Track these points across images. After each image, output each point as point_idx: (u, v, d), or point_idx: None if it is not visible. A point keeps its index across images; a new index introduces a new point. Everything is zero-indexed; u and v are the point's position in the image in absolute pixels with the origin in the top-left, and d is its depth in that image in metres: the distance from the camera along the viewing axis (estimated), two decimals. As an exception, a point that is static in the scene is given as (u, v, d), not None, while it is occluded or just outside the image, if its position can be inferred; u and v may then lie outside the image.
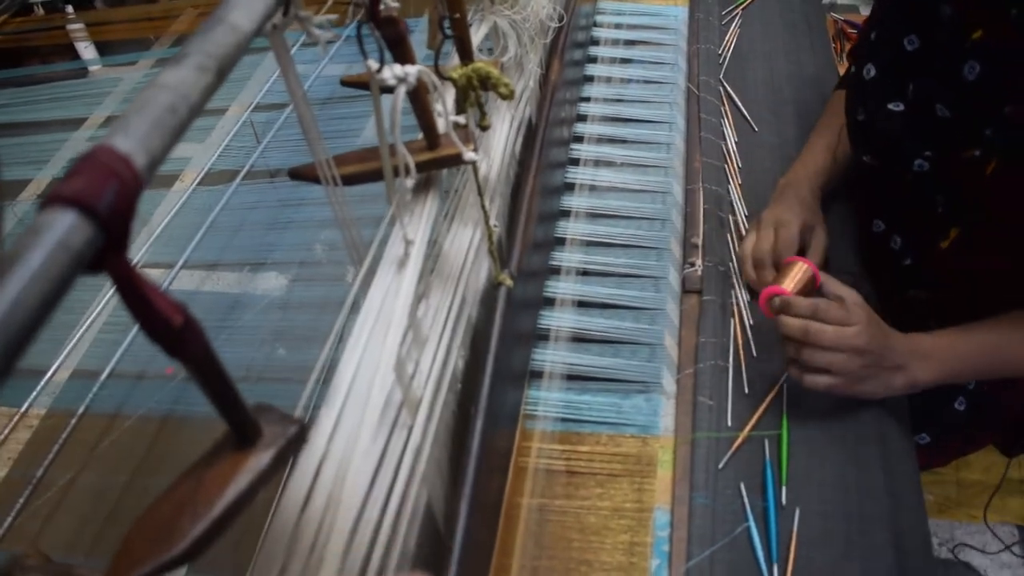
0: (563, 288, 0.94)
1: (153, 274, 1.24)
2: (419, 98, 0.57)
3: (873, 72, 0.92)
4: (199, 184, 1.29)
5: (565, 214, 1.03)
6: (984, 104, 0.79)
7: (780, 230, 0.95)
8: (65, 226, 0.26)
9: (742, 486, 0.79)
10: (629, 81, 1.26)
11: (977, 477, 1.31)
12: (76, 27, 1.91)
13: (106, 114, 1.58)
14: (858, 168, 1.00)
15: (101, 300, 1.14)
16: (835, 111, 1.08)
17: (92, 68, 1.88)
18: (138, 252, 1.23)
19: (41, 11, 2.04)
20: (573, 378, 0.87)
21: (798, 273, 0.84)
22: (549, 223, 1.00)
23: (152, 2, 2.02)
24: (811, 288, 0.84)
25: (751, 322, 0.92)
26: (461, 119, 0.58)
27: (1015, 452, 1.21)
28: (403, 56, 0.53)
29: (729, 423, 0.84)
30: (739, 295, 0.95)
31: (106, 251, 0.28)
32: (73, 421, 1.00)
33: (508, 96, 0.61)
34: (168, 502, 0.37)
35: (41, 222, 0.26)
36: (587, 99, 1.21)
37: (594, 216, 1.04)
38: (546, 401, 0.85)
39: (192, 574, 0.81)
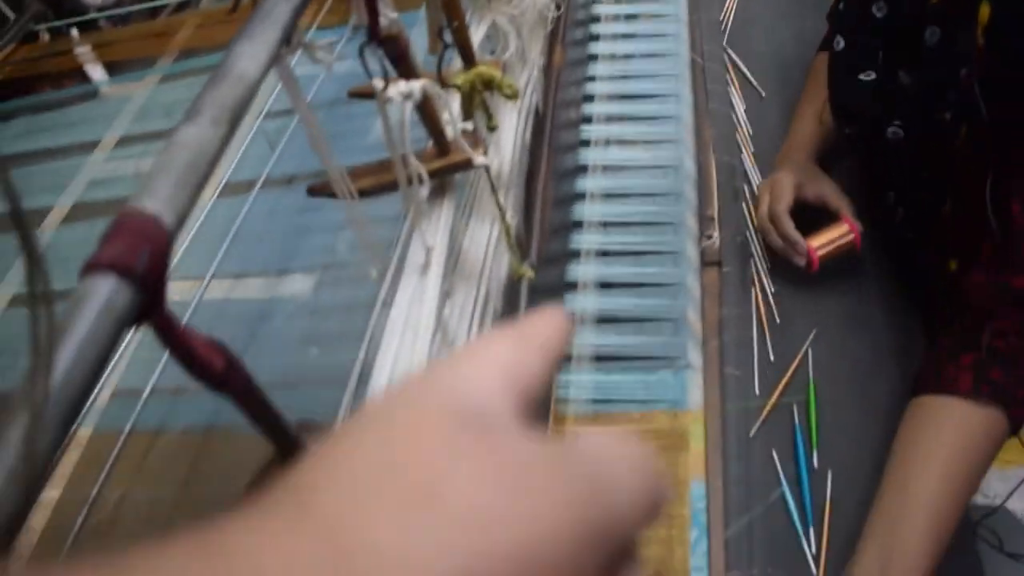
0: (584, 271, 0.95)
1: (183, 287, 1.27)
2: (426, 108, 0.58)
3: (842, 44, 0.93)
4: (219, 196, 1.31)
5: (580, 197, 1.04)
6: (944, 68, 0.80)
7: (774, 188, 0.96)
8: (107, 291, 0.28)
9: (774, 453, 0.80)
10: (632, 56, 1.26)
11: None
12: (83, 50, 1.94)
13: (118, 135, 1.60)
14: (847, 140, 1.01)
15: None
16: (817, 75, 1.08)
17: (103, 89, 1.90)
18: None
19: (47, 36, 2.07)
20: (601, 359, 0.89)
21: (835, 234, 0.91)
22: (565, 207, 1.01)
23: (153, 18, 2.03)
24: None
25: (772, 290, 0.93)
26: (468, 125, 0.60)
27: None
28: (407, 71, 0.54)
29: (757, 392, 0.85)
30: (758, 264, 0.96)
31: (146, 308, 0.30)
32: (121, 439, 1.03)
33: (513, 96, 0.62)
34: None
35: (85, 289, 0.28)
36: (592, 79, 1.21)
37: (609, 196, 1.05)
38: (576, 384, 0.86)
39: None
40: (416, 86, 0.52)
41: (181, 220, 0.31)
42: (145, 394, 1.05)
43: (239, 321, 1.22)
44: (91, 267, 0.28)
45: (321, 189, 0.62)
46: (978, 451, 0.74)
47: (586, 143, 1.11)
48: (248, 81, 0.36)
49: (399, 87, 0.52)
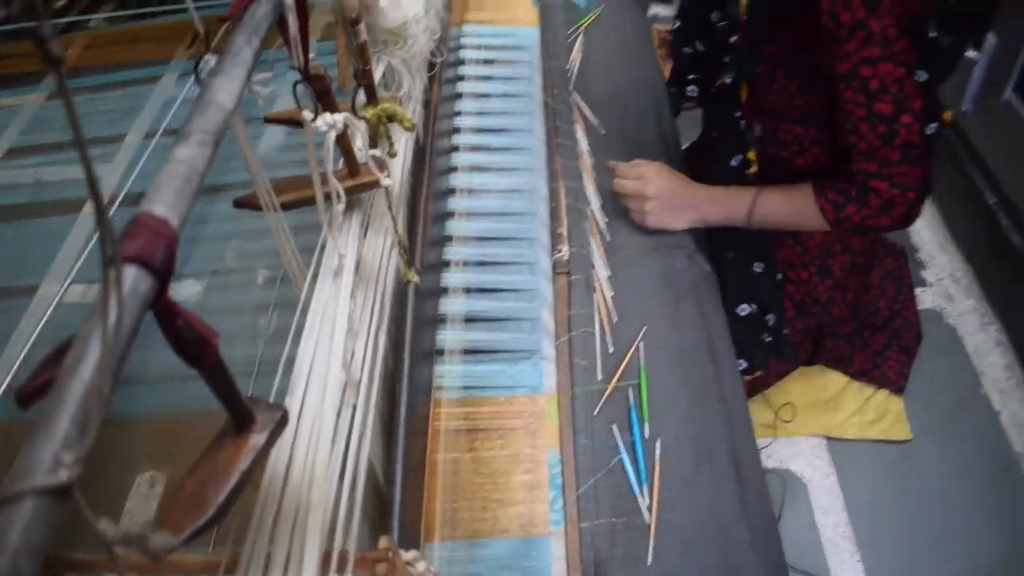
0: (455, 278, 1.00)
1: (78, 290, 1.23)
2: (342, 136, 0.62)
3: (678, 23, 1.27)
4: (118, 206, 1.28)
5: (451, 215, 1.09)
6: (723, 41, 1.07)
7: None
8: (132, 278, 0.31)
9: (614, 427, 0.88)
10: (490, 96, 1.32)
11: (792, 400, 1.47)
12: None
13: (6, 147, 1.53)
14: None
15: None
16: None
17: (-10, 100, 1.79)
18: (65, 272, 1.22)
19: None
20: (470, 352, 0.94)
21: None
22: (440, 223, 1.06)
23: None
24: None
25: (611, 294, 1.02)
26: (378, 151, 0.64)
27: (813, 363, 1.47)
28: (329, 105, 0.58)
29: (599, 377, 0.93)
30: (599, 273, 1.04)
31: (159, 294, 0.33)
32: None
33: (411, 128, 0.67)
34: (191, 481, 0.42)
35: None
36: (459, 113, 1.27)
37: (474, 215, 1.10)
38: (450, 374, 0.91)
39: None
40: (339, 118, 0.56)
41: (182, 222, 0.35)
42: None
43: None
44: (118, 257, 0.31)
45: (247, 202, 0.64)
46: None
47: (454, 169, 1.16)
48: (224, 110, 0.40)
49: (326, 118, 0.56)
